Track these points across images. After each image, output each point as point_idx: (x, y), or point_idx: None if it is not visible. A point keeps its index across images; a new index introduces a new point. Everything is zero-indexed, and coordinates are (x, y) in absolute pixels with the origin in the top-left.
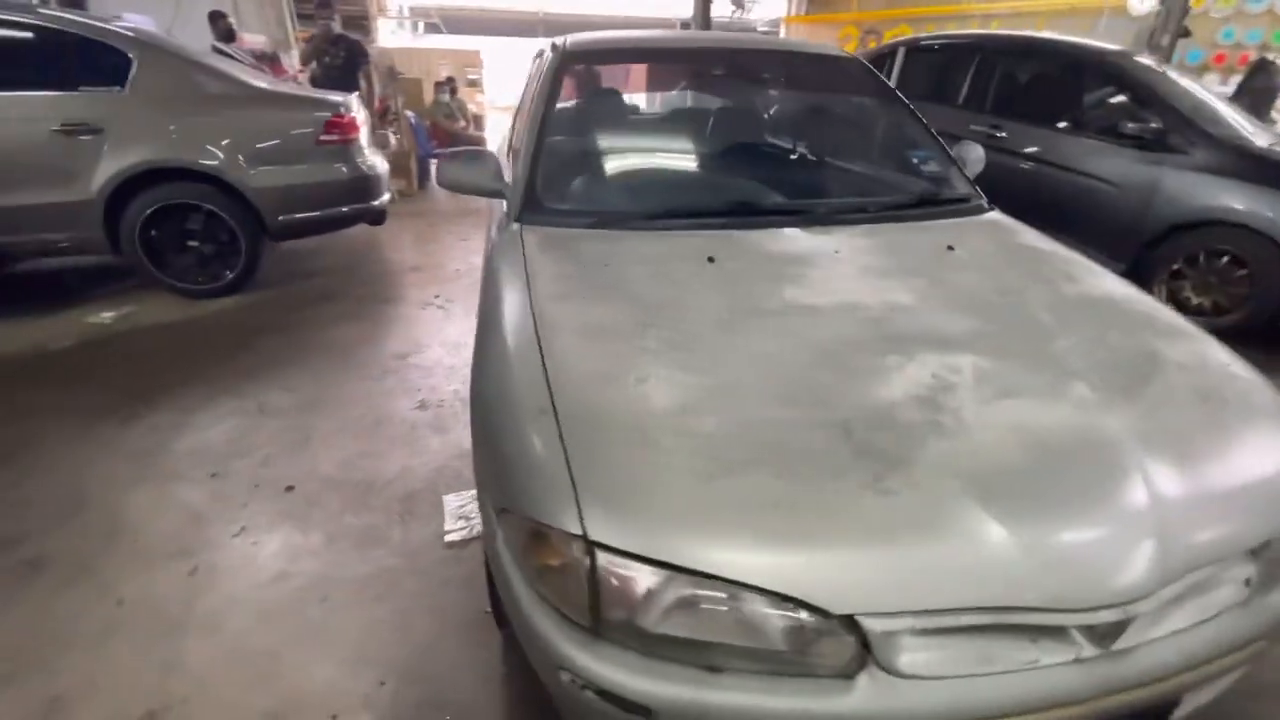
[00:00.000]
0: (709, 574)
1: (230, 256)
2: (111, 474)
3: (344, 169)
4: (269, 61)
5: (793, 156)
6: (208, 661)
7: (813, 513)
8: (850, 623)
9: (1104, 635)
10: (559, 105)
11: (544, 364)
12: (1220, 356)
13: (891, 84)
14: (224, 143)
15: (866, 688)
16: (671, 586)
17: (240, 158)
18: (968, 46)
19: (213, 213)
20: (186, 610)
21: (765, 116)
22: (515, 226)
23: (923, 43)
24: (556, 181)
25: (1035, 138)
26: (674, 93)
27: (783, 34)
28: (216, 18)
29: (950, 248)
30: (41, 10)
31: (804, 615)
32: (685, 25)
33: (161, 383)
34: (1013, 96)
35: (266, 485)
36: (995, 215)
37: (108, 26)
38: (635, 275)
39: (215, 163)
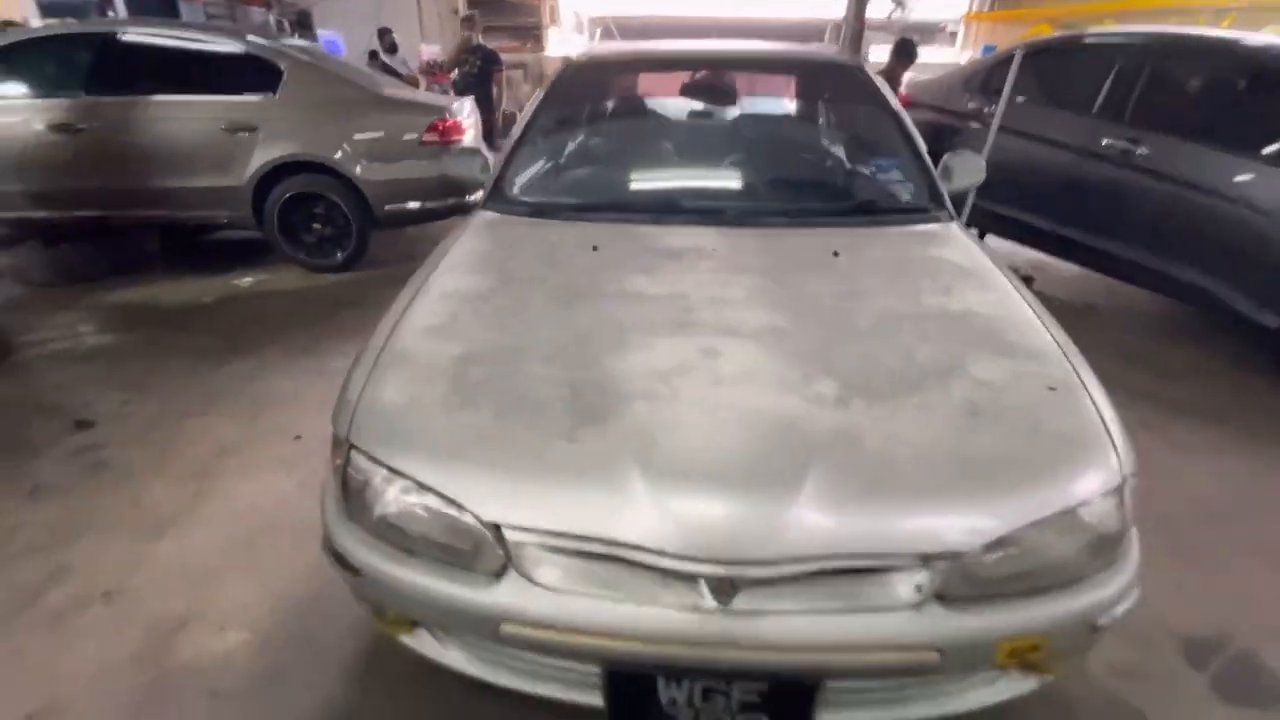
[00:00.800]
0: (414, 479)
1: (344, 239)
2: (186, 405)
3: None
4: (438, 69)
5: (749, 161)
6: (165, 561)
7: (505, 447)
8: (498, 533)
9: (720, 591)
10: (554, 111)
11: (402, 314)
12: (1042, 385)
13: (1004, 94)
14: (345, 141)
15: (508, 587)
16: (390, 486)
17: (357, 154)
18: (1110, 47)
19: (333, 201)
20: (173, 520)
21: (739, 122)
22: (477, 212)
23: (1052, 45)
24: (522, 176)
25: (1188, 157)
26: (666, 99)
27: (961, 34)
28: (383, 33)
29: (836, 254)
30: (219, 29)
31: (468, 519)
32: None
33: (259, 338)
34: (1163, 106)
35: (285, 433)
36: (943, 227)
37: (267, 44)
38: (525, 255)
39: (338, 158)
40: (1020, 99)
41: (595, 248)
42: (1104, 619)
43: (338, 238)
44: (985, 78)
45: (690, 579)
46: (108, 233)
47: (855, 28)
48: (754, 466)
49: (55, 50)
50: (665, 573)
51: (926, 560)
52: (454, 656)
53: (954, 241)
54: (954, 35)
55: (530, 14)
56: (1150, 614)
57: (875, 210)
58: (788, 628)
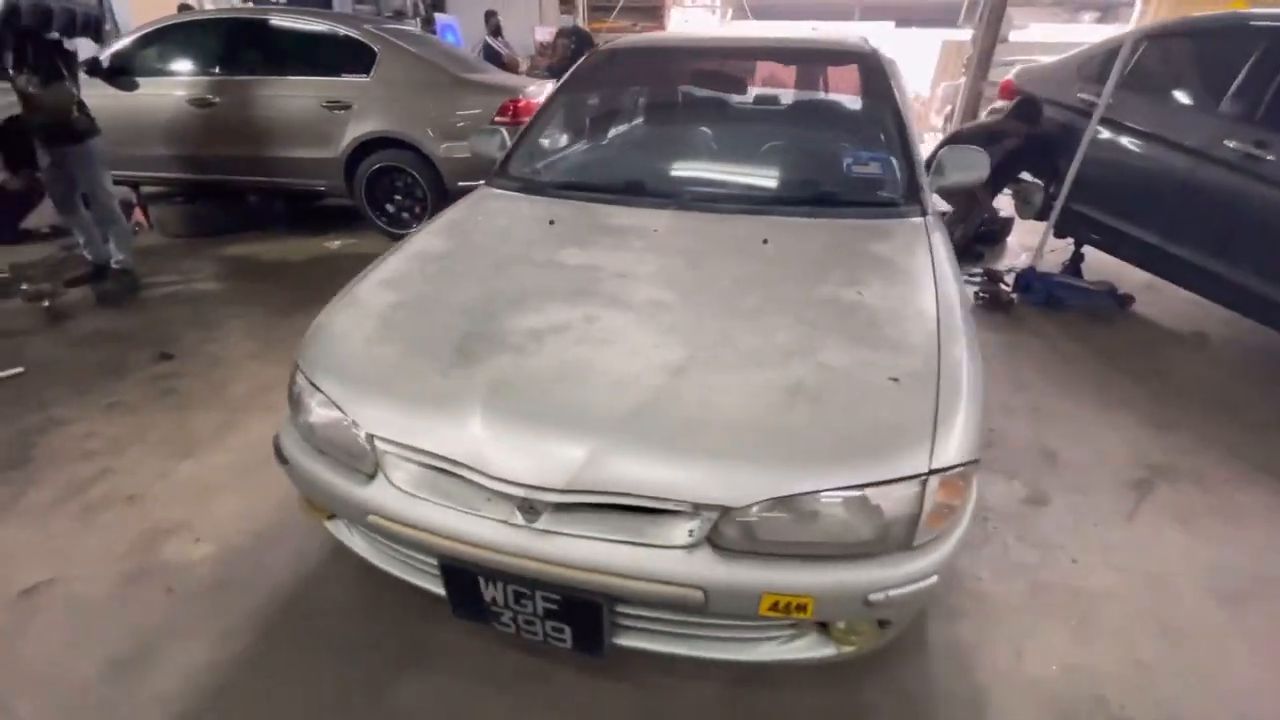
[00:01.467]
0: (327, 395)
1: (420, 209)
2: (251, 349)
3: None
4: (550, 50)
5: (728, 149)
6: (183, 477)
7: (395, 376)
8: (372, 443)
9: (525, 510)
10: (569, 96)
11: (375, 266)
12: (884, 376)
13: (1110, 84)
14: (424, 119)
15: (375, 487)
16: (312, 399)
17: (434, 132)
18: (1250, 32)
19: (412, 175)
20: (202, 444)
21: (732, 111)
22: (482, 185)
23: (1175, 28)
24: (528, 155)
25: None
26: (677, 88)
27: (1138, 9)
28: (489, 15)
29: (765, 241)
30: (324, 14)
31: (355, 431)
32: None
33: (331, 294)
34: None
35: None
36: (904, 223)
37: (365, 29)
38: (492, 226)
39: (416, 135)
40: (1136, 92)
41: (551, 222)
42: (876, 596)
43: (414, 208)
44: (1102, 64)
45: (506, 498)
46: (232, 194)
47: (997, 6)
48: (570, 412)
49: (197, 34)
50: (486, 490)
51: (697, 509)
52: (357, 543)
53: (905, 237)
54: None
55: None
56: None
57: (835, 202)
58: (576, 549)
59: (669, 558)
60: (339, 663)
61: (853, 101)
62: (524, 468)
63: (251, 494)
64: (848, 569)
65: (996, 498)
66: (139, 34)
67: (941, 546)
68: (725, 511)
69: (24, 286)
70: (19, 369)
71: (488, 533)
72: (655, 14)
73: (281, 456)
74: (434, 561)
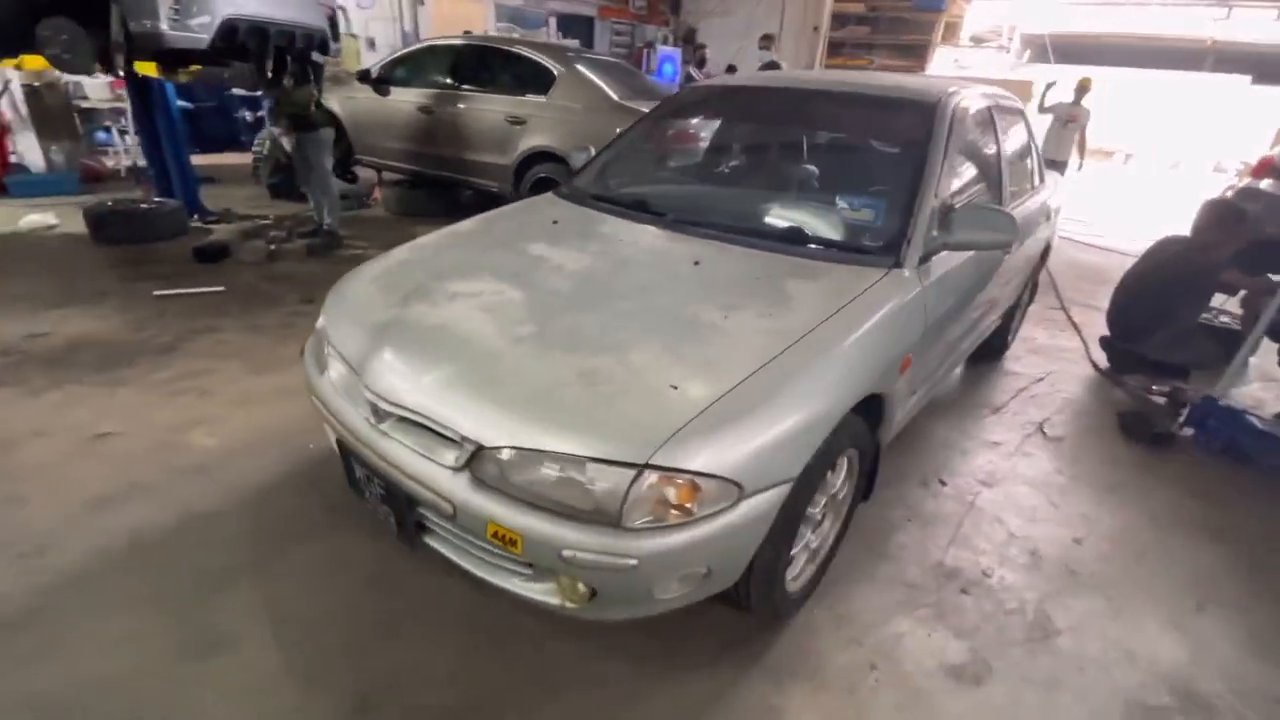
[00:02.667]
0: (323, 326)
1: None
2: None
3: None
4: None
5: (741, 181)
6: (248, 388)
7: (361, 305)
8: (327, 344)
9: (374, 413)
10: (645, 125)
11: (413, 241)
12: (666, 384)
13: None
14: (579, 138)
15: (322, 379)
16: (317, 327)
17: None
18: None
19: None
20: (275, 367)
21: (770, 150)
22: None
23: None
24: (591, 169)
25: None
26: (737, 125)
27: None
28: (696, 47)
29: (696, 263)
30: (525, 42)
31: (325, 335)
32: None
33: None
34: None
35: None
36: (857, 269)
37: (556, 55)
38: (517, 219)
39: (569, 151)
40: None
41: (555, 221)
42: (568, 553)
43: None
44: None
45: (367, 401)
46: (442, 185)
47: None
48: (423, 349)
49: (435, 55)
50: (360, 392)
51: (463, 441)
52: (327, 431)
53: (841, 282)
54: None
55: (922, 30)
56: None
57: (798, 239)
58: (394, 450)
59: (440, 474)
60: (254, 530)
61: (890, 148)
62: (380, 380)
63: (274, 410)
64: (553, 522)
65: None
66: (401, 53)
67: (655, 537)
68: (481, 448)
69: (271, 232)
70: (221, 287)
71: (354, 423)
72: (918, 52)
73: (302, 353)
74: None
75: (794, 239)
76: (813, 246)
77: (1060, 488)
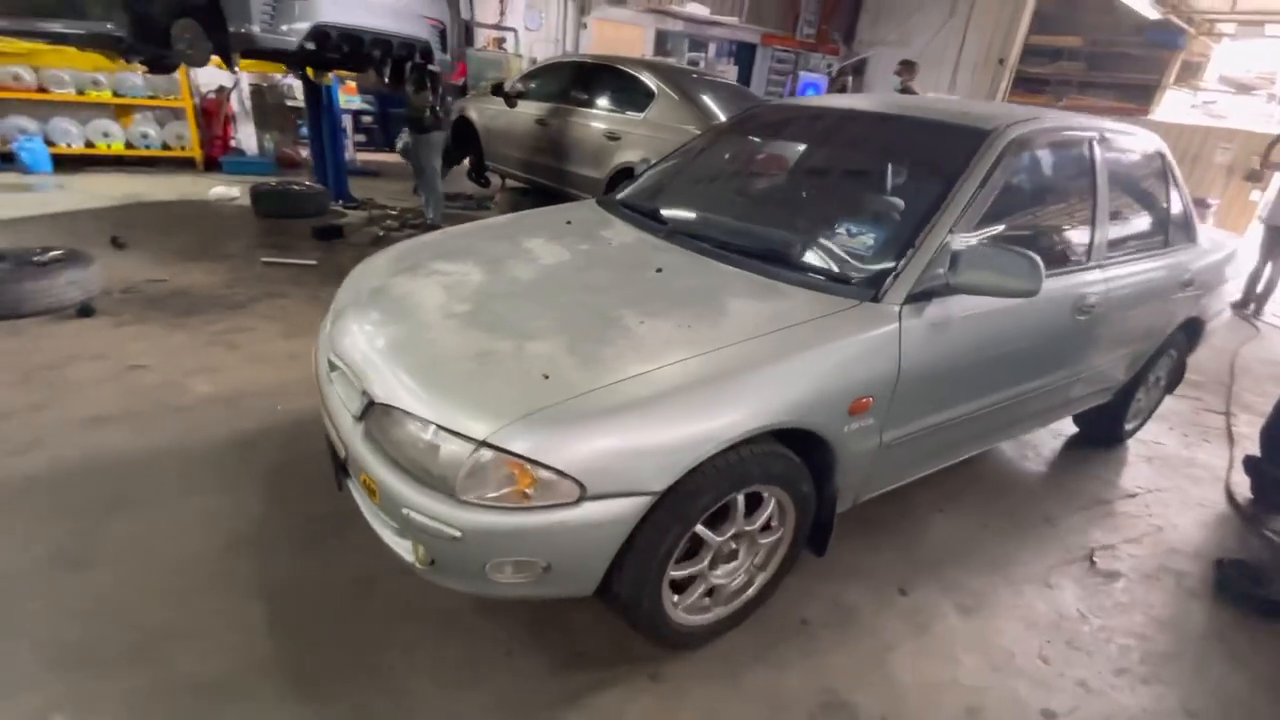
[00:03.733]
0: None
1: None
2: None
3: None
4: None
5: (753, 200)
6: (276, 349)
7: (367, 280)
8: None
9: (330, 366)
10: (694, 144)
11: (448, 229)
12: (539, 374)
13: None
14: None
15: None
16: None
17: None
18: None
19: None
20: (303, 333)
21: (799, 170)
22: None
23: None
24: (641, 181)
25: None
26: (789, 143)
27: None
28: (838, 74)
29: (659, 270)
30: (631, 60)
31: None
32: None
33: None
34: None
35: None
36: (823, 296)
37: (657, 74)
38: (545, 218)
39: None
40: None
41: (569, 222)
42: (407, 511)
43: None
44: None
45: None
46: (549, 194)
47: None
48: (372, 315)
49: (557, 71)
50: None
51: (363, 394)
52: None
53: (791, 306)
54: None
55: (1149, 69)
56: None
57: (775, 260)
58: (331, 397)
59: (347, 420)
60: (182, 471)
61: (923, 176)
62: (338, 336)
63: (274, 371)
64: (403, 481)
65: None
66: (532, 68)
67: (483, 514)
68: (372, 403)
69: (386, 220)
70: (314, 261)
71: (320, 372)
72: (1143, 94)
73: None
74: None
75: (776, 260)
76: (791, 270)
77: (1071, 639)
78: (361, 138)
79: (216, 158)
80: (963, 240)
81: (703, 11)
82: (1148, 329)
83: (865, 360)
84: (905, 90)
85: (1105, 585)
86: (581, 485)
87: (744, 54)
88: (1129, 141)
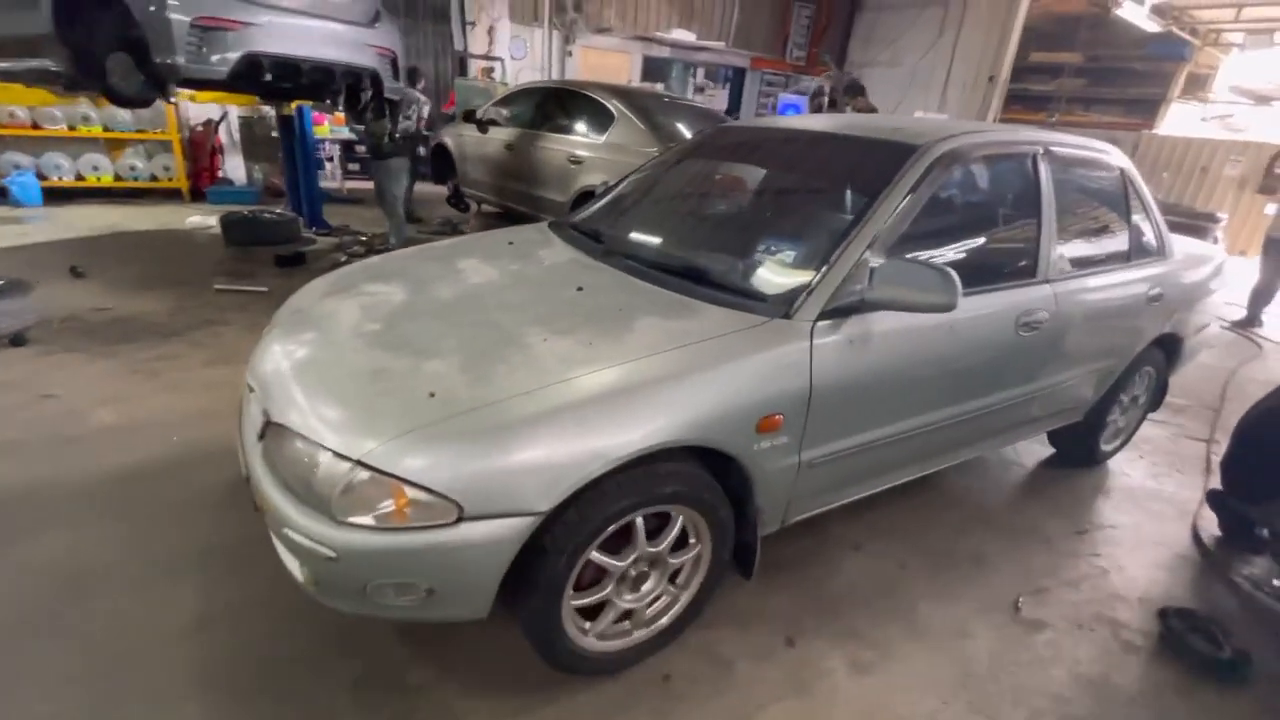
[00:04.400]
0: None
1: None
2: None
3: None
4: None
5: (680, 217)
6: (191, 377)
7: (301, 300)
8: None
9: (249, 386)
10: (647, 168)
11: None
12: (426, 392)
13: None
14: None
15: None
16: None
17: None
18: None
19: None
20: (236, 360)
21: (735, 191)
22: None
23: None
24: (594, 204)
25: None
26: (733, 164)
27: None
28: (815, 95)
29: (580, 289)
30: (589, 85)
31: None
32: None
33: None
34: None
35: None
36: (734, 314)
37: (617, 97)
38: (486, 241)
39: None
40: None
41: (510, 243)
42: (287, 530)
43: None
44: None
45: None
46: (518, 218)
47: None
48: (290, 336)
49: (526, 98)
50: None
51: (264, 413)
52: None
53: (699, 324)
54: None
55: (1154, 83)
56: None
57: (694, 278)
58: (246, 418)
59: (251, 440)
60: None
61: (852, 194)
62: (259, 356)
63: (185, 399)
64: (286, 499)
65: None
66: (503, 95)
67: (358, 535)
68: (269, 422)
69: (353, 247)
70: (265, 289)
71: (244, 394)
72: (1147, 108)
73: None
74: None
75: (698, 279)
76: (710, 288)
77: (973, 700)
78: (355, 167)
79: (203, 188)
80: (885, 257)
81: (689, 37)
82: (1111, 346)
83: (773, 378)
84: (863, 111)
85: (1026, 636)
86: (459, 505)
87: (735, 78)
88: (1082, 155)
